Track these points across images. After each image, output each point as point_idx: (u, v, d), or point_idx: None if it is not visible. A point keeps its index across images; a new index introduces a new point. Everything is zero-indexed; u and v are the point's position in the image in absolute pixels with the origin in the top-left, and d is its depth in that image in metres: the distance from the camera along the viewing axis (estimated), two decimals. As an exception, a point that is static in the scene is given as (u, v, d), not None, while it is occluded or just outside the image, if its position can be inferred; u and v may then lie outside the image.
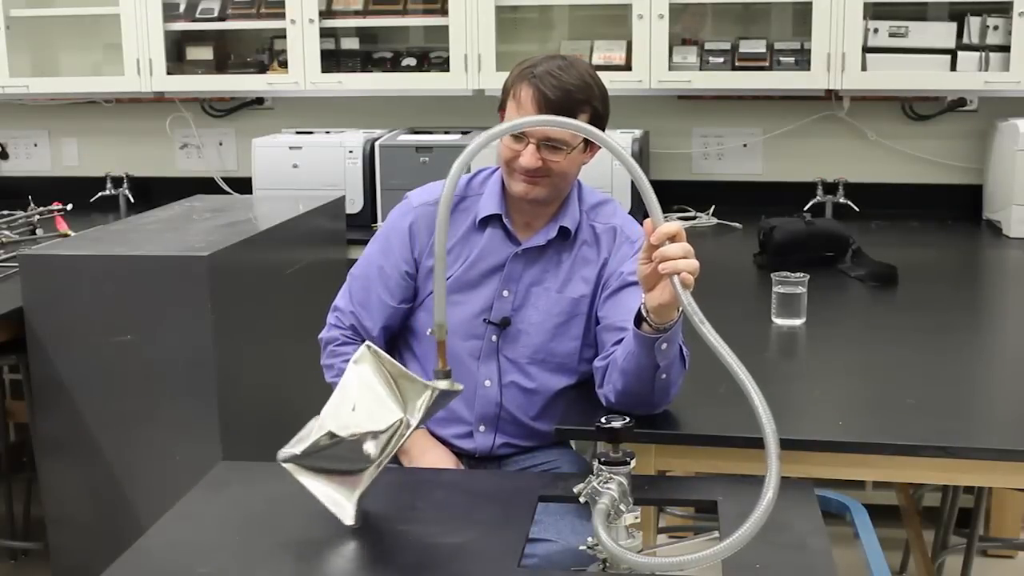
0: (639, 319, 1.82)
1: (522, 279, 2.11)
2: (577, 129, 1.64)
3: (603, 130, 2.01)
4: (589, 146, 2.06)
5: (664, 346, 1.81)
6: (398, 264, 2.13)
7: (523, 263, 2.11)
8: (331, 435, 1.57)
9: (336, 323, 2.19)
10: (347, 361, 1.69)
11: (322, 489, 1.58)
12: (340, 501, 1.57)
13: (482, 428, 2.14)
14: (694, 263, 1.65)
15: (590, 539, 1.48)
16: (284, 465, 1.59)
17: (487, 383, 2.12)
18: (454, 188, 1.54)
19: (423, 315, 2.13)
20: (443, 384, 1.56)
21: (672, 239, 1.66)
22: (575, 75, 1.99)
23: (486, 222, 2.12)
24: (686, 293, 1.57)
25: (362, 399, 1.60)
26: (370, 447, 1.57)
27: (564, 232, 2.10)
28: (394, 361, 1.61)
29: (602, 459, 1.55)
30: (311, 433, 1.59)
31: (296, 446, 1.59)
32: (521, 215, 2.11)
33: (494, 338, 2.11)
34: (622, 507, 1.51)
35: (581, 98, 1.98)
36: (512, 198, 2.09)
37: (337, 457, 1.58)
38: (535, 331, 2.10)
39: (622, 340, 1.95)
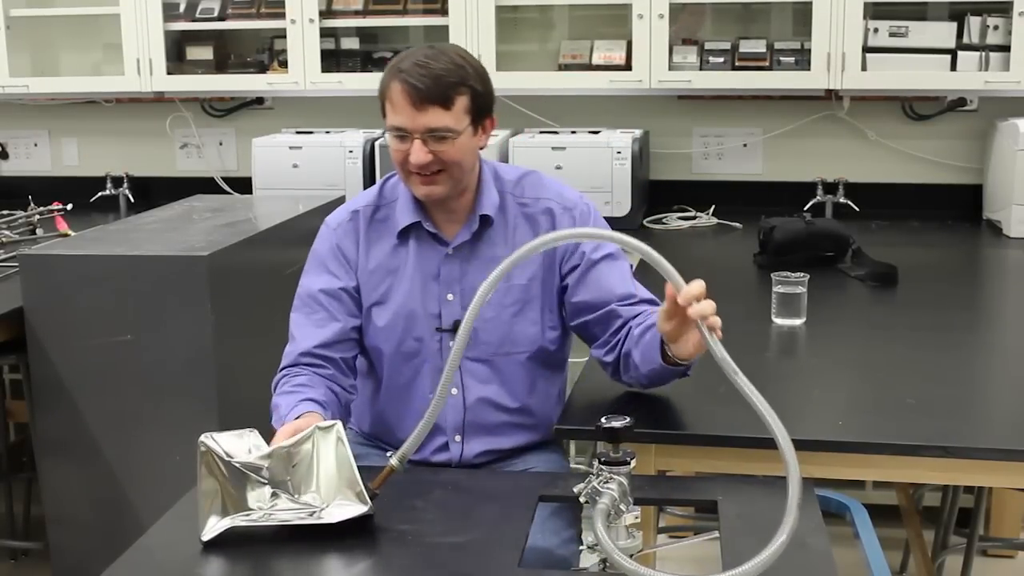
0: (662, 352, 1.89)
1: (464, 278, 2.06)
2: (598, 238, 1.67)
3: (490, 109, 2.01)
4: (480, 127, 2.00)
5: (692, 366, 1.92)
6: (345, 284, 2.07)
7: (459, 262, 2.06)
8: (263, 465, 1.59)
9: (298, 360, 2.03)
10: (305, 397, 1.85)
11: (208, 488, 1.58)
12: (212, 514, 1.57)
13: (457, 438, 2.10)
14: (718, 319, 1.69)
15: (590, 539, 1.48)
16: (203, 442, 1.58)
17: (454, 391, 2.08)
18: (480, 306, 1.58)
19: (369, 329, 2.09)
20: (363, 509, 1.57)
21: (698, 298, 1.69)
22: (444, 60, 1.93)
23: (407, 231, 2.07)
24: (719, 346, 1.55)
25: (321, 468, 1.61)
26: (257, 496, 1.59)
27: (487, 219, 2.06)
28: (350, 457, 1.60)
29: (602, 459, 1.54)
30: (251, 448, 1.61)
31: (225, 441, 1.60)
32: (440, 213, 2.07)
33: (451, 344, 2.05)
34: (622, 507, 1.51)
35: (454, 80, 1.92)
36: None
37: (242, 479, 1.59)
38: (492, 326, 2.06)
39: (617, 328, 2.01)
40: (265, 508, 1.59)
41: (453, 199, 2.04)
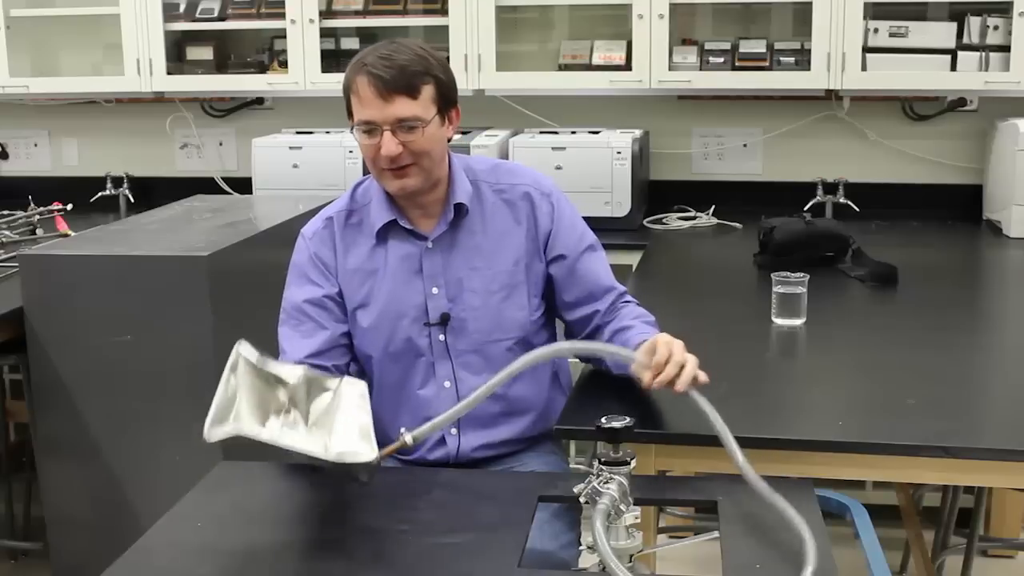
0: None
1: (448, 269, 2.08)
2: (602, 353, 1.90)
3: (455, 100, 2.03)
4: (446, 118, 2.02)
5: None
6: (328, 291, 2.09)
7: (440, 254, 2.08)
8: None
9: None
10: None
11: (228, 392, 1.58)
12: (224, 418, 1.57)
13: (454, 431, 2.11)
14: (688, 372, 1.80)
15: (590, 539, 1.48)
16: (237, 349, 1.62)
17: (447, 384, 2.09)
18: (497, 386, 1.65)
19: (356, 332, 2.10)
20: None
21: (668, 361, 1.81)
22: (407, 52, 1.95)
23: (384, 232, 2.08)
24: (702, 399, 1.70)
25: (339, 412, 1.63)
26: (275, 414, 1.62)
27: (462, 208, 2.07)
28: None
29: (602, 459, 1.55)
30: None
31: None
32: (414, 209, 2.07)
33: (441, 337, 2.08)
34: (622, 507, 1.51)
35: (418, 70, 1.95)
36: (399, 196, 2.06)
37: (265, 393, 1.62)
38: (481, 314, 2.07)
39: (594, 327, 2.08)
40: (278, 429, 1.59)
41: (426, 193, 2.05)
